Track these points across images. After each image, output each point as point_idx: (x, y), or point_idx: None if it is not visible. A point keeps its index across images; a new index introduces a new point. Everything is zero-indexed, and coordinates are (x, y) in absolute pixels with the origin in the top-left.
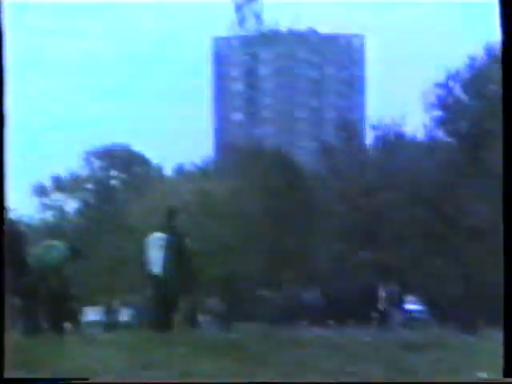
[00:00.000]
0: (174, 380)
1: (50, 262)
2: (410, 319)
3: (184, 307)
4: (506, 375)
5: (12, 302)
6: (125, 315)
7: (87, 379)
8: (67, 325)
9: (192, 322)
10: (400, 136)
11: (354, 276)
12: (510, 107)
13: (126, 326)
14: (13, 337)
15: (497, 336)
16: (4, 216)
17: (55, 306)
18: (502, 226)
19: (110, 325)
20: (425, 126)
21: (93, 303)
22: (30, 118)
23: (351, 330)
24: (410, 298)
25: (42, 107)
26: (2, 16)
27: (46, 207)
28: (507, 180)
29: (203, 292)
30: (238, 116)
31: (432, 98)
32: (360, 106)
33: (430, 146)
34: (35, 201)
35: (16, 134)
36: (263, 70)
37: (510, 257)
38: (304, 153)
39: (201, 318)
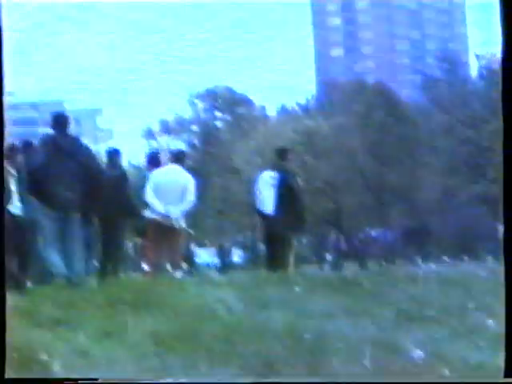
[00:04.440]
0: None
1: None
2: None
3: (295, 245)
4: (506, 375)
5: (129, 245)
6: (236, 255)
7: (96, 379)
8: (183, 265)
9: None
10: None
11: (463, 210)
12: (510, 108)
13: (238, 266)
14: (133, 278)
15: None
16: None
17: (173, 245)
18: None
19: (223, 265)
20: None
21: (204, 245)
22: (135, 62)
23: (466, 265)
24: None
25: (145, 48)
26: (2, 15)
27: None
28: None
29: (312, 230)
30: (337, 52)
31: None
32: (462, 36)
33: None
34: (144, 144)
35: (123, 80)
36: (360, 3)
37: (510, 258)
38: (406, 86)
39: (312, 256)
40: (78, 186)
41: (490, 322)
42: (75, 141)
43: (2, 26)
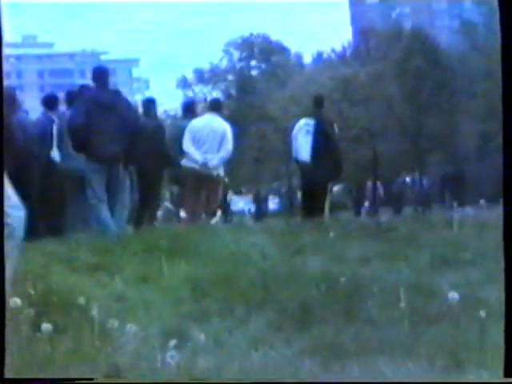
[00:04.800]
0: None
1: None
2: None
3: (331, 192)
4: (506, 375)
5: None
6: (272, 203)
7: (92, 379)
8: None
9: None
10: None
11: (501, 155)
12: (510, 107)
13: (275, 213)
14: (169, 226)
15: None
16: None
17: (211, 193)
18: None
19: (259, 213)
20: None
21: (240, 193)
22: (170, 12)
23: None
24: None
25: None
26: (2, 15)
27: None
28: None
29: (350, 177)
30: None
31: None
32: None
33: None
34: (180, 94)
35: (161, 30)
36: None
37: (510, 255)
38: (444, 32)
39: (348, 203)
40: (119, 137)
41: None
42: (115, 93)
43: (1, 25)
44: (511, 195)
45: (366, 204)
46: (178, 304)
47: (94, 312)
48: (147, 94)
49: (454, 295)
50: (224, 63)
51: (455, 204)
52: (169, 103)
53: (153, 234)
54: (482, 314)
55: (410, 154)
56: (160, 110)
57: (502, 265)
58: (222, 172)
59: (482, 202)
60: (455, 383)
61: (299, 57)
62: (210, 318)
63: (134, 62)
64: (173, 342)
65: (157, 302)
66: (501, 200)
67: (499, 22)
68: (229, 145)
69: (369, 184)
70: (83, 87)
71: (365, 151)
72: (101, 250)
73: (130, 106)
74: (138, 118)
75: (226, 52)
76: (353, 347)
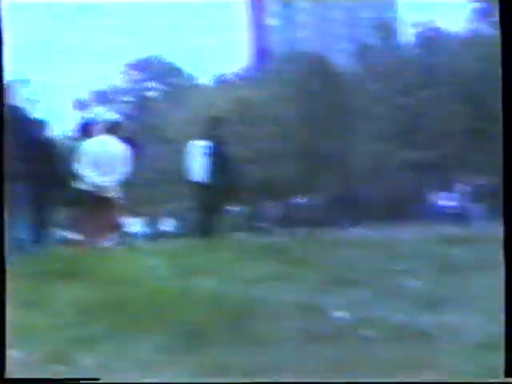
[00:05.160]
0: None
1: None
2: (450, 215)
3: (227, 214)
4: (506, 375)
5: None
6: (168, 225)
7: (98, 379)
8: (111, 236)
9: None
10: (438, 31)
11: (395, 176)
12: (509, 107)
13: (170, 235)
14: (62, 249)
15: None
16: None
17: (106, 215)
18: None
19: (153, 235)
20: (465, 20)
21: (135, 214)
22: (65, 35)
23: (391, 229)
24: (448, 194)
25: (79, 22)
26: (2, 16)
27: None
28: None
29: (245, 198)
30: (273, 21)
31: None
32: (393, 4)
33: (471, 41)
34: (77, 115)
35: (54, 51)
36: None
37: (510, 259)
38: (341, 55)
39: (244, 224)
40: (19, 154)
41: (413, 283)
42: (15, 109)
43: (2, 25)
44: (510, 206)
45: (261, 224)
46: (66, 329)
47: None
48: (39, 115)
49: (342, 314)
50: (121, 84)
51: (347, 224)
52: (64, 124)
53: (45, 257)
54: (371, 333)
55: (305, 175)
56: (55, 132)
57: (388, 283)
58: (117, 194)
59: (372, 222)
60: (454, 383)
61: (197, 78)
62: (99, 343)
63: (24, 82)
64: (59, 368)
65: (44, 327)
66: (390, 221)
67: (499, 23)
68: (125, 167)
69: (264, 205)
70: None
71: (261, 172)
72: None
73: (30, 122)
74: (39, 134)
75: (123, 73)
76: (243, 368)
